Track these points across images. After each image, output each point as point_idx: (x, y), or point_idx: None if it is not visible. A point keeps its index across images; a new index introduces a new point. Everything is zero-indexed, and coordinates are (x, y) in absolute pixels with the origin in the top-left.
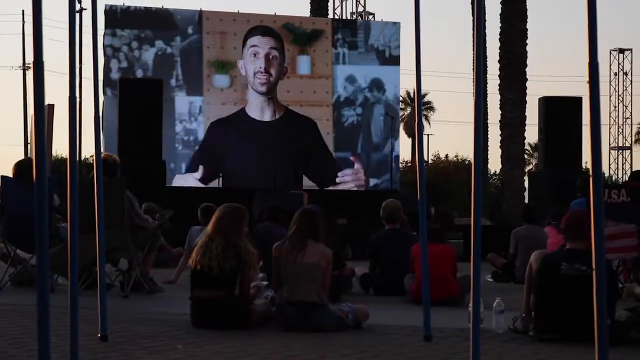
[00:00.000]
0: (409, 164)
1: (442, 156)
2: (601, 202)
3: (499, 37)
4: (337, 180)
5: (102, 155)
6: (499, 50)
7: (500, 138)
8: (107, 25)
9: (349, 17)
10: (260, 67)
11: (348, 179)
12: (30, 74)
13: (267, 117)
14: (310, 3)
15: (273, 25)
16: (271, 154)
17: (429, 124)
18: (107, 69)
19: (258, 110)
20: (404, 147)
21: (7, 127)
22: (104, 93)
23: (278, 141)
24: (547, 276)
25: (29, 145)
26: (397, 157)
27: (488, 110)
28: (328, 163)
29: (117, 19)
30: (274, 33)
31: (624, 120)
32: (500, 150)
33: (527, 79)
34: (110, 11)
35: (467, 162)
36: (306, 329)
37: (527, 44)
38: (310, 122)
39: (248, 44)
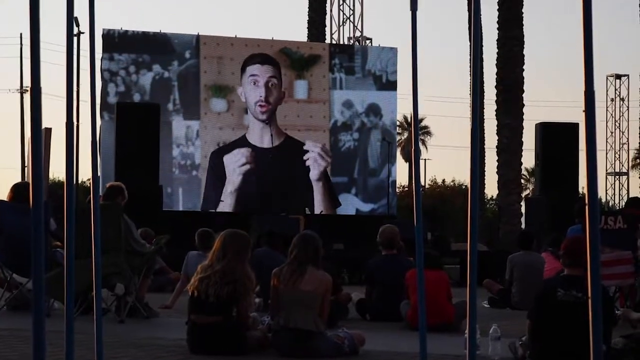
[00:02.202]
0: (406, 189)
1: (439, 181)
2: (597, 229)
3: (496, 62)
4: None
5: (107, 184)
6: (496, 76)
7: (497, 163)
8: (105, 49)
9: (346, 42)
10: (261, 97)
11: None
12: (27, 97)
13: (266, 143)
14: (307, 28)
15: (270, 50)
16: (269, 180)
17: (426, 148)
18: (104, 93)
19: (258, 136)
20: (401, 172)
21: (4, 150)
22: (102, 117)
23: (276, 167)
24: (543, 302)
25: (26, 169)
26: (394, 182)
27: (485, 135)
28: (331, 192)
29: (114, 43)
30: (272, 61)
31: (621, 145)
32: (497, 176)
33: (524, 105)
34: (108, 35)
35: (463, 187)
36: (302, 355)
37: (524, 70)
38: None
39: (248, 72)
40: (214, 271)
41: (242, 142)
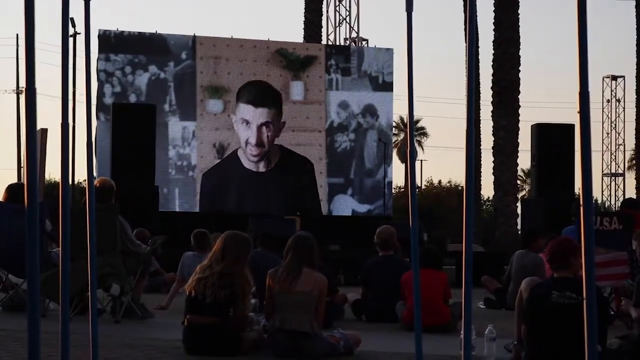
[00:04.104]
0: (402, 190)
1: (435, 182)
2: (592, 230)
3: (492, 63)
4: None
5: (97, 179)
6: (491, 77)
7: (493, 164)
8: (101, 50)
9: (342, 43)
10: (252, 140)
11: None
12: (23, 98)
13: (261, 167)
14: (303, 29)
15: (264, 50)
16: (265, 187)
17: (422, 149)
18: (100, 94)
19: (252, 163)
20: (397, 173)
21: (1, 151)
22: (97, 118)
23: (272, 181)
24: (537, 305)
25: (22, 169)
26: (390, 183)
27: (481, 136)
28: (315, 200)
29: (110, 44)
30: (269, 100)
31: (617, 146)
32: (493, 177)
33: (519, 106)
34: (104, 36)
35: (459, 188)
36: (298, 356)
37: (520, 71)
38: (305, 161)
39: (240, 110)
40: (212, 272)
41: (235, 164)
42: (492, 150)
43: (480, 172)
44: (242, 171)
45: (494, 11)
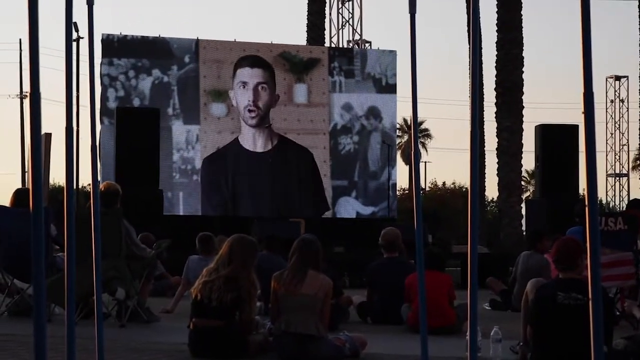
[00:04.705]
0: (407, 192)
1: (440, 183)
2: (597, 231)
3: (495, 65)
4: None
5: (103, 184)
6: (495, 78)
7: (497, 165)
8: (104, 54)
9: (345, 46)
10: (249, 101)
11: None
12: (27, 103)
13: (259, 147)
14: (306, 31)
15: (267, 53)
16: (267, 183)
17: (426, 151)
18: (104, 98)
19: (251, 141)
20: (401, 175)
21: (5, 156)
22: (101, 122)
23: (272, 170)
24: (543, 306)
25: (26, 174)
26: (394, 185)
27: (485, 137)
28: (320, 193)
29: (114, 48)
30: (264, 63)
31: (621, 147)
32: (497, 178)
33: (523, 107)
34: (107, 40)
35: (464, 190)
36: (303, 359)
37: (523, 72)
38: (305, 151)
39: (238, 75)
40: (218, 276)
41: (235, 146)
42: (496, 152)
43: (485, 173)
44: (241, 152)
45: (497, 12)
